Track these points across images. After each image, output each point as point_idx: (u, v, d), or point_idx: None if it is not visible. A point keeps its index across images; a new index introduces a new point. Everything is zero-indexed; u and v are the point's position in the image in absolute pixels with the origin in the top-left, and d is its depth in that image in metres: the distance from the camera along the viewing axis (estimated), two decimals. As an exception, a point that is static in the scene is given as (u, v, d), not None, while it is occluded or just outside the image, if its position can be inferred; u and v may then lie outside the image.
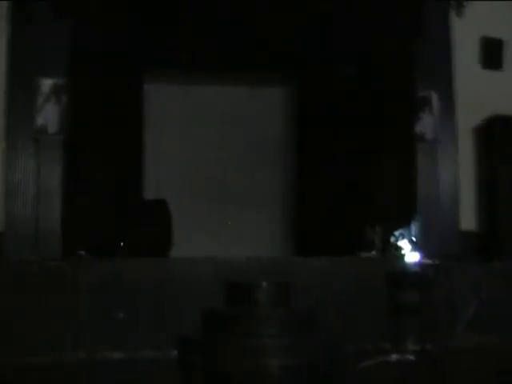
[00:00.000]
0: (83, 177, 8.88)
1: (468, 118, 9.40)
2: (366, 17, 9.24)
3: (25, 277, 7.29)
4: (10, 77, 8.57)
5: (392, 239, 8.97)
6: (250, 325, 5.77)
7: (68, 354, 7.13)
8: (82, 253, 8.24)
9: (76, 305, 7.28)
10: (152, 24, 9.22)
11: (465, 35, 9.39)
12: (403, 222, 9.03)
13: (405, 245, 8.88)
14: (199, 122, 10.83)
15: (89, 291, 7.34)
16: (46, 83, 8.52)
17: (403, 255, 8.64)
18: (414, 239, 8.97)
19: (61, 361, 7.01)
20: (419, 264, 8.21)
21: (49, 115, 8.52)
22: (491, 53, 9.50)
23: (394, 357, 7.01)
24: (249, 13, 9.21)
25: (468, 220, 9.31)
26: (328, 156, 10.20)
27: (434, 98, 9.23)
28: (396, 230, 8.98)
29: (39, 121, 8.51)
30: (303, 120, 10.89)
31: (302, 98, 11.02)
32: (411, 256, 8.53)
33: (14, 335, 7.05)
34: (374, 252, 8.86)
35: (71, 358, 7.12)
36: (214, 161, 10.79)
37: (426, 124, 9.20)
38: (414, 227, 9.10)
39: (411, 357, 7.01)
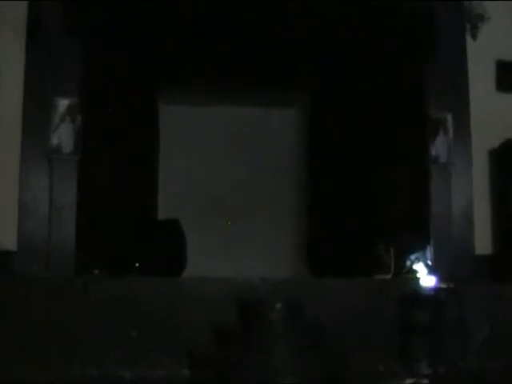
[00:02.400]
0: (97, 196, 8.97)
1: (482, 140, 9.44)
2: (380, 38, 9.37)
3: (36, 293, 7.38)
4: (26, 96, 8.68)
5: (408, 263, 9.05)
6: (262, 344, 5.89)
7: (77, 371, 7.19)
8: (96, 272, 8.35)
9: (87, 323, 7.37)
10: (165, 43, 9.37)
11: (480, 58, 9.46)
12: (417, 244, 9.10)
13: (420, 268, 8.95)
14: (211, 141, 10.95)
15: (100, 309, 7.43)
16: (62, 103, 8.61)
17: (418, 278, 8.68)
18: (429, 263, 9.03)
19: (70, 378, 7.07)
20: (433, 287, 8.26)
21: (63, 135, 8.61)
22: (506, 76, 9.60)
23: (408, 381, 7.08)
24: (261, 33, 9.34)
25: (482, 243, 9.32)
26: (340, 177, 10.30)
27: (449, 120, 9.32)
28: (411, 252, 9.05)
29: (54, 140, 8.59)
30: (315, 139, 11.00)
31: (313, 118, 11.14)
32: (427, 280, 8.57)
33: (23, 351, 7.15)
34: (387, 274, 8.93)
35: (81, 375, 7.16)
36: (226, 179, 10.90)
37: (440, 146, 9.24)
38: (429, 251, 9.16)
39: (424, 380, 7.09)
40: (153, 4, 8.89)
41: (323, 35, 9.49)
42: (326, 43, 9.65)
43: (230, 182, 10.90)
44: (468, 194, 9.39)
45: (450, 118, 9.32)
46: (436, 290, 8.08)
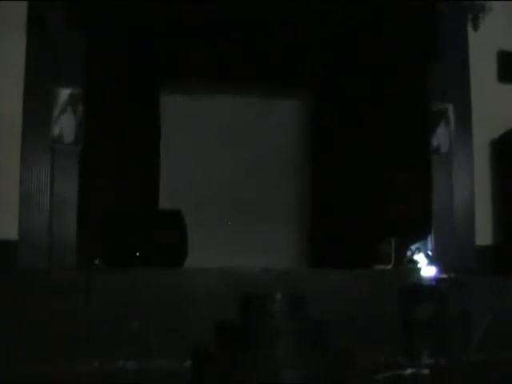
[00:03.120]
0: (99, 187, 8.97)
1: (484, 131, 9.47)
2: (380, 30, 9.37)
3: (38, 286, 7.39)
4: (27, 86, 8.67)
5: (408, 253, 9.08)
6: (264, 337, 5.88)
7: (81, 363, 7.21)
8: (97, 262, 8.36)
9: (89, 314, 7.38)
10: (167, 34, 9.36)
11: (481, 48, 9.48)
12: (418, 235, 9.13)
13: (421, 259, 8.97)
14: (213, 133, 10.97)
15: (103, 301, 7.45)
16: (63, 93, 8.61)
17: (419, 269, 8.71)
18: (430, 253, 9.06)
19: (73, 371, 7.06)
20: (434, 278, 8.28)
21: (65, 125, 8.61)
22: (508, 66, 9.60)
23: (409, 370, 7.11)
24: (263, 26, 9.35)
25: (484, 234, 9.36)
26: (342, 168, 10.33)
27: (450, 111, 9.33)
28: (412, 243, 9.08)
29: (55, 131, 8.60)
30: (317, 132, 11.02)
31: (315, 111, 11.15)
32: (427, 270, 8.59)
33: (26, 344, 7.16)
34: (388, 265, 8.96)
35: (84, 368, 7.18)
36: (228, 172, 10.92)
37: (441, 137, 9.27)
38: (429, 241, 9.19)
39: (425, 371, 7.11)
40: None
41: (323, 27, 9.48)
42: (326, 40, 9.64)
43: (230, 174, 10.91)
44: (469, 185, 9.41)
45: (451, 108, 9.33)
46: (437, 280, 8.11)
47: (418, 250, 9.03)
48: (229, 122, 10.99)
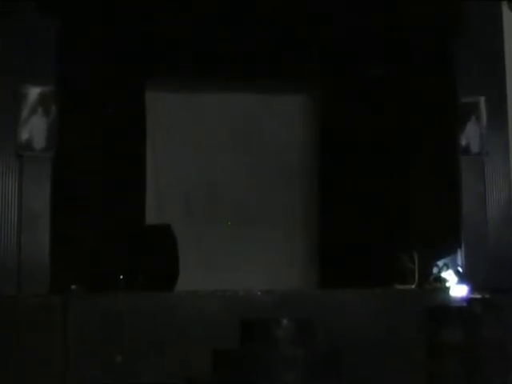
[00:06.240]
0: (75, 199, 8.98)
1: (521, 126, 9.49)
2: (397, 14, 9.40)
3: (5, 316, 7.44)
4: (-9, 84, 8.71)
5: (435, 270, 9.08)
6: (267, 367, 5.90)
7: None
8: (74, 287, 8.37)
9: (66, 348, 7.41)
10: (158, 25, 9.41)
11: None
12: (445, 248, 9.13)
13: (450, 276, 8.98)
14: (210, 133, 11.02)
15: (81, 332, 7.48)
16: (33, 92, 8.65)
17: (448, 288, 8.71)
18: (460, 270, 9.06)
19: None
20: (465, 298, 8.28)
21: (35, 129, 8.65)
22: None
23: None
24: (263, 18, 9.41)
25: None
26: (354, 171, 10.31)
27: (482, 105, 9.33)
28: (438, 258, 9.08)
29: (24, 135, 8.63)
30: (325, 131, 11.03)
31: (323, 107, 11.17)
32: (457, 289, 8.58)
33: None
34: (411, 284, 8.97)
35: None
36: (226, 177, 10.96)
37: (471, 134, 9.29)
38: (459, 255, 9.19)
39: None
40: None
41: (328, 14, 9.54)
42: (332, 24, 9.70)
43: (228, 179, 10.95)
44: (505, 189, 9.38)
45: (482, 101, 9.34)
46: (469, 301, 8.09)
47: (446, 266, 9.04)
48: (227, 120, 11.04)
